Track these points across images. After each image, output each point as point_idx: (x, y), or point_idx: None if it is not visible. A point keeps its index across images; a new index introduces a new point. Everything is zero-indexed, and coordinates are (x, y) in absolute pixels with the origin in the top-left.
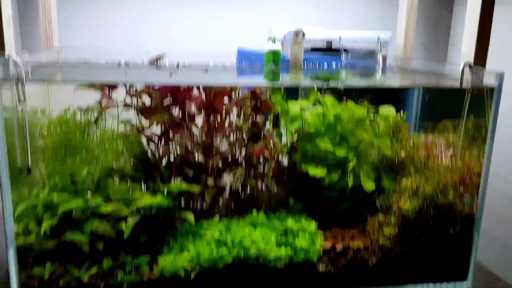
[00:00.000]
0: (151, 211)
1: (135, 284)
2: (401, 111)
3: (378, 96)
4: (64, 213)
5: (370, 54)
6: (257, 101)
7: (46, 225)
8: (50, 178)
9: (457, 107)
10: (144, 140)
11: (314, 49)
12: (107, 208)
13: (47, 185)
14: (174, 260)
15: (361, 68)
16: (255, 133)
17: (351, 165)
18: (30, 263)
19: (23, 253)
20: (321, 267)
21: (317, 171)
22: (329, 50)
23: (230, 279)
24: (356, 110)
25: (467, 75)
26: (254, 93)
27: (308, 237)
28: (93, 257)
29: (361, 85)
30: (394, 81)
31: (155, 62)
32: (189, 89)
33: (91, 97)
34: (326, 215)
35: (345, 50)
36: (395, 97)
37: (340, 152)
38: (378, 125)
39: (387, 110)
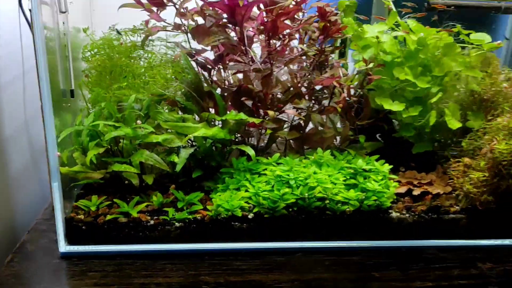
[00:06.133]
0: (205, 144)
1: (187, 222)
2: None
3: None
4: (111, 142)
5: None
6: (325, 23)
7: (91, 154)
8: (95, 104)
9: None
10: (196, 66)
11: None
12: (158, 138)
13: (92, 113)
14: (231, 199)
15: None
16: (322, 61)
17: (434, 99)
18: (76, 196)
19: (68, 185)
20: (395, 215)
21: (393, 106)
22: None
23: (292, 222)
24: (443, 35)
25: None
26: (322, 12)
27: (380, 179)
28: (143, 192)
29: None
30: None
31: None
32: (248, 5)
33: (139, 18)
34: (401, 156)
35: None
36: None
37: (422, 84)
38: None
39: (481, 36)
